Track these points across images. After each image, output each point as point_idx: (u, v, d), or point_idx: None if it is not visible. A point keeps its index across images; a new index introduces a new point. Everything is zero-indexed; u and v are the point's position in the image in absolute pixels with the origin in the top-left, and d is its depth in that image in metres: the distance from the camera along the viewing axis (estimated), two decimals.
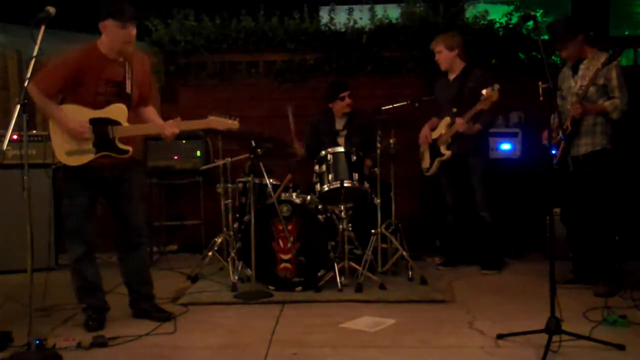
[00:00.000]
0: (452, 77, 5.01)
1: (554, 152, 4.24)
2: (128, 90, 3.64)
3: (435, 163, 4.98)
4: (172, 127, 3.69)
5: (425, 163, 5.11)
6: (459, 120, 4.75)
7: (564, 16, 4.77)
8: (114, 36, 3.51)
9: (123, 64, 3.63)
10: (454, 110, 4.78)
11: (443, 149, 4.90)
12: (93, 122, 3.57)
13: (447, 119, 4.87)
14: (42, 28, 3.17)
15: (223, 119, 3.80)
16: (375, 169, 4.70)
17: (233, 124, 3.81)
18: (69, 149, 3.58)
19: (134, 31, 3.54)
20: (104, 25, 3.52)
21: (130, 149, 3.65)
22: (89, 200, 3.68)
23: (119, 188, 3.74)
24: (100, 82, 3.56)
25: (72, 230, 3.68)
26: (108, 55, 3.58)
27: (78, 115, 3.56)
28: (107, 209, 3.84)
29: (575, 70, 4.30)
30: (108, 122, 3.59)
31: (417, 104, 5.21)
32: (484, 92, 4.51)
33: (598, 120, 4.18)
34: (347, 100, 5.16)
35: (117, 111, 3.60)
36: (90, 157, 3.58)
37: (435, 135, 5.00)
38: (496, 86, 4.48)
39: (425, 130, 5.12)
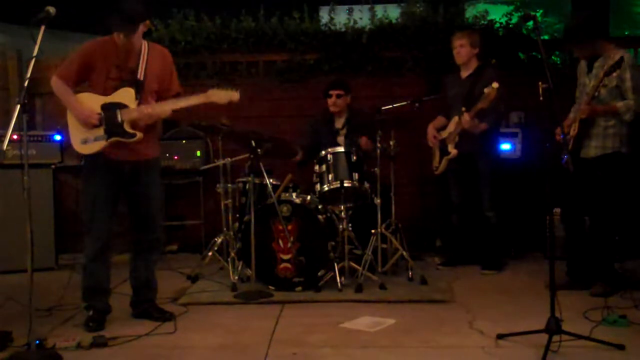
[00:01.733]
0: (464, 74, 5.00)
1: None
2: (140, 77, 3.67)
3: (443, 161, 4.97)
4: (169, 105, 3.67)
5: (435, 161, 5.10)
6: (464, 116, 4.74)
7: (585, 14, 4.57)
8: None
9: (137, 54, 3.68)
10: (463, 109, 4.77)
11: (450, 147, 4.89)
12: (104, 107, 3.62)
13: (456, 118, 4.86)
14: (42, 28, 3.17)
15: (223, 91, 3.75)
16: (375, 169, 4.69)
17: (233, 95, 3.77)
18: (83, 138, 3.64)
19: (120, 37, 3.57)
20: None
21: (138, 133, 3.64)
22: (107, 195, 3.67)
23: (140, 187, 3.74)
24: (111, 68, 3.63)
25: (88, 225, 3.67)
26: (120, 44, 3.66)
27: (90, 102, 3.63)
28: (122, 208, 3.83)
29: (590, 67, 4.21)
30: (117, 107, 3.62)
31: (417, 104, 5.21)
32: (485, 90, 4.51)
33: (611, 122, 4.08)
34: (333, 99, 5.11)
35: (125, 95, 3.64)
36: (102, 143, 3.61)
37: (445, 134, 5.00)
38: (495, 84, 4.47)
39: (430, 130, 5.11)
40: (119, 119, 3.61)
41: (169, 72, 3.84)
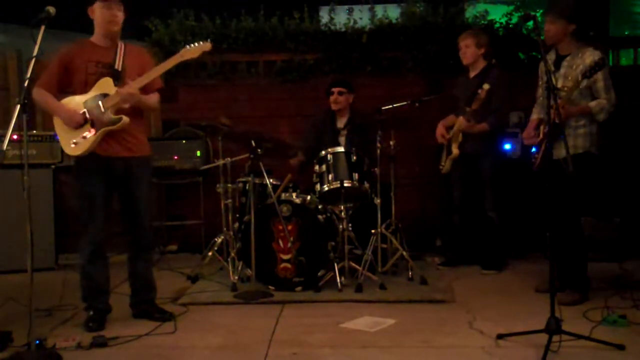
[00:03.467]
0: (472, 75, 5.00)
1: (533, 150, 4.16)
2: (118, 67, 3.70)
3: (448, 161, 4.96)
4: (146, 77, 3.67)
5: (442, 160, 5.09)
6: (459, 119, 4.76)
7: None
8: (100, 18, 3.66)
9: (113, 49, 3.73)
10: (467, 109, 4.77)
11: (453, 147, 4.88)
12: (86, 104, 3.65)
13: (461, 118, 4.86)
14: (42, 28, 3.19)
15: (195, 46, 3.73)
16: (376, 169, 4.70)
17: (205, 45, 3.74)
18: (73, 139, 3.64)
19: (119, 12, 3.66)
20: (92, 11, 3.67)
21: (124, 117, 3.64)
22: (102, 195, 3.67)
23: (132, 186, 3.74)
24: (90, 64, 3.67)
25: (82, 227, 3.68)
26: (97, 42, 3.72)
27: (72, 104, 3.65)
28: (114, 208, 3.83)
29: (557, 66, 4.09)
30: (98, 98, 3.65)
31: (417, 104, 5.20)
32: (478, 91, 4.51)
33: (581, 122, 3.98)
34: (334, 96, 5.14)
35: (103, 84, 3.66)
36: (92, 138, 3.61)
37: (451, 133, 4.99)
38: (485, 86, 4.47)
39: (439, 128, 5.08)
40: (102, 108, 3.62)
41: (150, 69, 3.83)
